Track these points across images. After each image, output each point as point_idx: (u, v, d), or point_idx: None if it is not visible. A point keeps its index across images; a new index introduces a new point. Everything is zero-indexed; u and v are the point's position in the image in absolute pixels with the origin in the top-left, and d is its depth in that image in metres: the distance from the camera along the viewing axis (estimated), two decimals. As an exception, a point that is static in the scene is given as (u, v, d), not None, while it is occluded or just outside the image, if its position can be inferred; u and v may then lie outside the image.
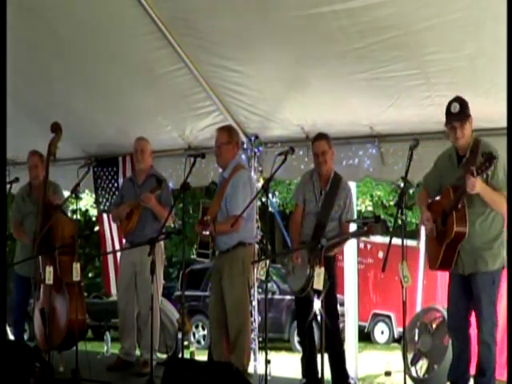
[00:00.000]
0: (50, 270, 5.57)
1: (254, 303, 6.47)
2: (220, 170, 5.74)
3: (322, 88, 5.66)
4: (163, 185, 5.89)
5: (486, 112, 4.81)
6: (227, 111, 6.40)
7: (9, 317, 6.70)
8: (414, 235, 13.89)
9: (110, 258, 8.36)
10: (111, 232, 8.25)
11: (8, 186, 6.54)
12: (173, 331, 6.81)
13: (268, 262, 4.70)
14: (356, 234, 4.37)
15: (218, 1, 5.19)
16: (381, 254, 14.41)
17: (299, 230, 5.38)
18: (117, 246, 8.12)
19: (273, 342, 11.63)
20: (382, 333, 15.01)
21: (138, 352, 6.19)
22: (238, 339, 5.24)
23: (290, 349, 12.67)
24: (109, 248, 8.32)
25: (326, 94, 5.72)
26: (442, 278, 8.29)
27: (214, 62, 5.84)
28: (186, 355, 5.56)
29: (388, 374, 4.73)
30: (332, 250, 4.92)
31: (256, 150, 6.58)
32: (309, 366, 5.33)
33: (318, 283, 3.93)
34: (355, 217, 5.66)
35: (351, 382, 5.54)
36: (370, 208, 16.47)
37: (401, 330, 8.13)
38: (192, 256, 15.25)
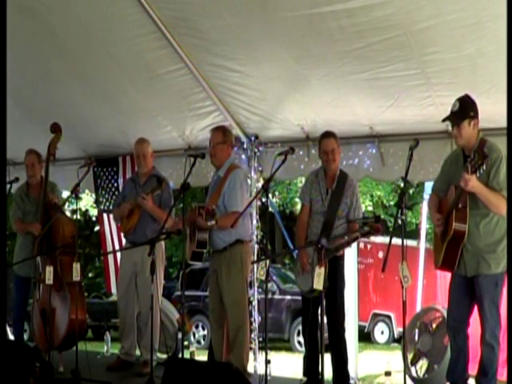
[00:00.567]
0: (50, 269, 5.57)
1: (254, 303, 6.47)
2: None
3: (321, 88, 5.67)
4: (163, 185, 5.88)
5: (486, 112, 4.81)
6: (227, 111, 6.41)
7: (9, 317, 6.69)
8: (414, 235, 13.91)
9: (111, 257, 8.37)
10: (111, 232, 8.26)
11: (8, 185, 6.52)
12: (173, 331, 6.80)
13: (268, 261, 4.69)
14: (365, 233, 4.36)
15: (218, 1, 5.19)
16: (381, 254, 14.40)
17: (306, 231, 5.36)
18: (117, 246, 8.13)
19: (273, 341, 11.62)
20: (382, 333, 15.00)
21: (138, 352, 6.18)
22: (237, 337, 5.25)
23: (290, 349, 12.68)
24: (109, 248, 8.33)
25: (326, 94, 5.72)
26: (442, 277, 8.29)
27: (214, 62, 5.85)
28: (186, 355, 5.54)
29: (388, 374, 4.74)
30: (342, 249, 4.92)
31: (256, 149, 6.60)
32: (311, 365, 5.32)
33: (318, 283, 3.92)
34: (361, 215, 5.65)
35: (351, 382, 5.54)
36: (370, 208, 16.47)
37: (401, 329, 8.12)
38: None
